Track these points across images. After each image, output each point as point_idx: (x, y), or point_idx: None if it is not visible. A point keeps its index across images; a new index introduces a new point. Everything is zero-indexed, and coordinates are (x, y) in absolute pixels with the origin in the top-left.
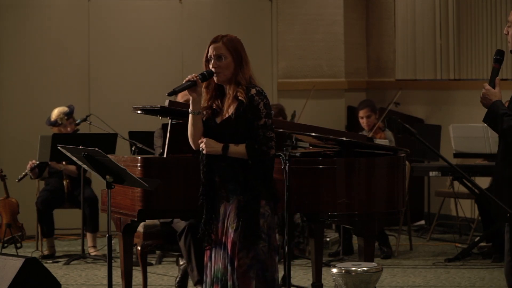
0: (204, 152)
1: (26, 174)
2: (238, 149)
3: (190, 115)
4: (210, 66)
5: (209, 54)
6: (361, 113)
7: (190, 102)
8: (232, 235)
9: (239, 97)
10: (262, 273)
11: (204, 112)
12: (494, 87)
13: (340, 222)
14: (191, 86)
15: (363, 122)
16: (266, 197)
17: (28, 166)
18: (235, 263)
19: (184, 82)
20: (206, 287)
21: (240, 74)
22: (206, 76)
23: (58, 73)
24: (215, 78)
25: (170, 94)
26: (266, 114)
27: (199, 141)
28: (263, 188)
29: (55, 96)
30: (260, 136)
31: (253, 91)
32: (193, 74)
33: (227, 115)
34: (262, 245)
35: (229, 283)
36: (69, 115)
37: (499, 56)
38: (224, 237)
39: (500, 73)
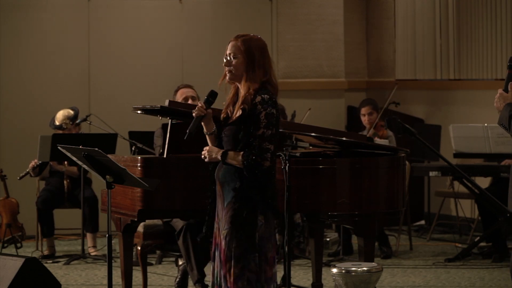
0: (206, 160)
1: (27, 173)
2: (235, 157)
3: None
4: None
5: (226, 52)
6: (363, 110)
7: (203, 124)
8: (223, 242)
9: (243, 104)
10: (255, 282)
11: (223, 114)
12: (507, 92)
13: (340, 222)
14: (203, 118)
15: (364, 119)
16: (262, 208)
17: (30, 166)
18: (224, 270)
19: (194, 116)
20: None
21: (252, 76)
22: (211, 100)
23: (58, 73)
24: (226, 79)
25: (187, 138)
26: (266, 124)
27: (203, 150)
28: (259, 199)
29: (55, 96)
30: (255, 147)
31: (258, 98)
32: (199, 105)
33: (232, 120)
34: (253, 256)
35: (223, 285)
36: (73, 119)
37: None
38: (219, 240)
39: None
